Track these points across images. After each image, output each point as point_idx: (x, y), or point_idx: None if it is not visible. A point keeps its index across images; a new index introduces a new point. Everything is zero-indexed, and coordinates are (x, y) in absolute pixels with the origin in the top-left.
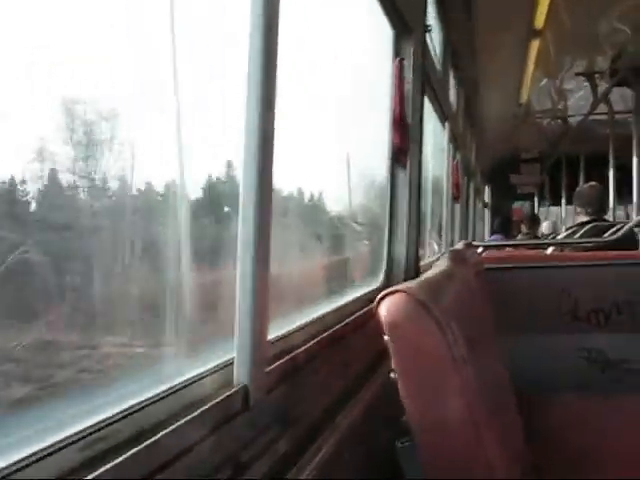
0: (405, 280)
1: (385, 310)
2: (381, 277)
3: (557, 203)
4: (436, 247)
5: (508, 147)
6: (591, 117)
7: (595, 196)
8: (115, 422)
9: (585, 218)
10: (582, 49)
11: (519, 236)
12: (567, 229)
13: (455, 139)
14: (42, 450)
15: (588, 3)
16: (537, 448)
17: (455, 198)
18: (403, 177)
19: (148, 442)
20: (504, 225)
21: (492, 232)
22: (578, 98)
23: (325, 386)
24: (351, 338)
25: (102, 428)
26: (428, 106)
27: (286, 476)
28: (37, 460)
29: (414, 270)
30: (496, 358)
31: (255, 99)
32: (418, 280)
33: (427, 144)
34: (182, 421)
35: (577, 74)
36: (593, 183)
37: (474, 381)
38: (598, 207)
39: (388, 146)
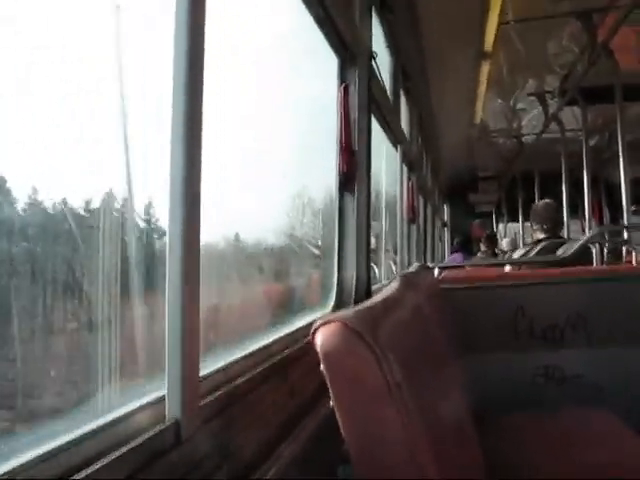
0: (356, 304)
1: (320, 340)
2: (331, 303)
3: (515, 219)
4: (394, 267)
5: (465, 166)
6: (544, 135)
7: (551, 213)
8: (45, 460)
9: (542, 235)
10: (532, 70)
11: (478, 254)
12: (524, 246)
13: (409, 161)
14: None
15: (536, 25)
16: (495, 465)
17: (411, 219)
18: (351, 203)
19: (77, 477)
20: (464, 244)
21: (452, 251)
22: (531, 117)
23: (265, 418)
24: (293, 368)
25: (30, 467)
26: (380, 130)
27: None
28: None
29: (365, 294)
30: (448, 380)
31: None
32: (357, 308)
33: (381, 167)
34: (113, 457)
35: (529, 94)
36: (548, 201)
37: (411, 405)
38: (554, 224)
39: (335, 172)
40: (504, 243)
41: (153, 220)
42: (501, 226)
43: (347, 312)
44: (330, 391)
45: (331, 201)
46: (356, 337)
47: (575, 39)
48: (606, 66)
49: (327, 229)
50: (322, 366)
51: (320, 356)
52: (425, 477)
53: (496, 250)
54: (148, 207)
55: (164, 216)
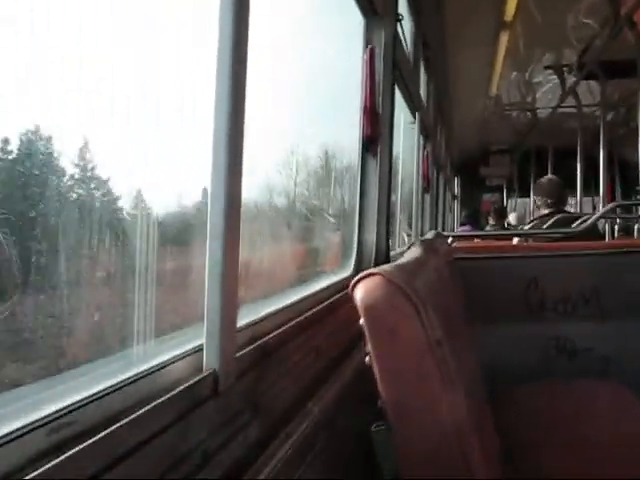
0: None
1: (361, 293)
2: (351, 265)
3: (526, 195)
4: (406, 238)
5: (478, 139)
6: (559, 110)
7: (555, 188)
8: (82, 407)
9: (546, 210)
10: (550, 42)
11: (487, 227)
12: (530, 221)
13: (425, 131)
14: (7, 435)
15: None
16: (507, 434)
17: (425, 189)
18: (374, 166)
19: (116, 426)
20: (473, 216)
21: (461, 223)
22: (547, 91)
23: (297, 372)
24: (323, 324)
25: (69, 412)
26: (399, 97)
27: (257, 461)
28: (1, 444)
29: (385, 259)
30: (469, 345)
31: (224, 97)
32: (392, 264)
33: (398, 135)
34: (150, 406)
35: (546, 67)
36: (552, 176)
37: (450, 365)
38: (558, 199)
39: (359, 135)
40: (511, 218)
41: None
42: (511, 201)
43: (386, 267)
44: (368, 345)
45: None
46: (398, 291)
47: (596, 11)
48: (628, 39)
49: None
50: (362, 319)
51: (360, 309)
52: (462, 442)
53: (505, 224)
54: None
55: None
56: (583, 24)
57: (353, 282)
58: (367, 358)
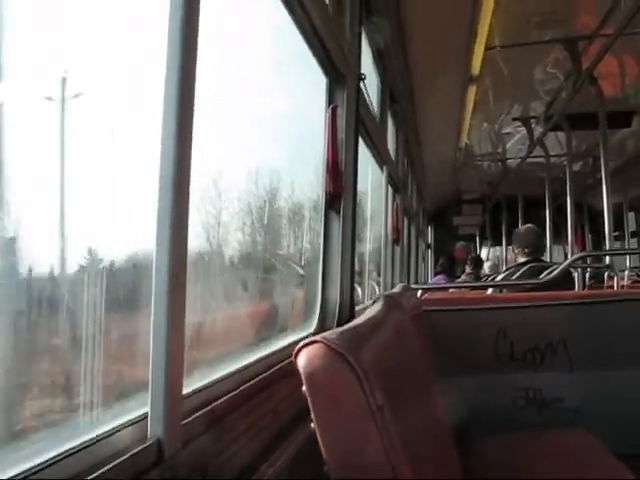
0: (339, 325)
1: (302, 361)
2: (314, 323)
3: (498, 243)
4: (376, 288)
5: (450, 189)
6: (528, 160)
7: (532, 237)
8: (27, 477)
9: (523, 259)
10: (518, 95)
11: (462, 276)
12: (506, 270)
13: (394, 182)
14: None
15: (522, 51)
16: None
17: (395, 241)
18: (337, 223)
19: None
20: (448, 265)
21: (436, 272)
22: (516, 142)
23: (248, 438)
24: (278, 387)
25: None
26: (366, 151)
27: None
28: None
29: (349, 315)
30: (430, 402)
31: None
32: (341, 329)
33: (366, 187)
34: (93, 476)
35: (514, 119)
36: (530, 225)
37: (393, 428)
38: (535, 248)
39: (322, 192)
40: (487, 267)
41: None
42: (484, 249)
43: (330, 333)
44: (311, 412)
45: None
46: (339, 359)
47: (560, 66)
48: (590, 93)
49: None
50: (304, 387)
51: (302, 377)
52: None
53: (480, 274)
54: None
55: None
56: (549, 77)
57: (296, 349)
58: (312, 424)
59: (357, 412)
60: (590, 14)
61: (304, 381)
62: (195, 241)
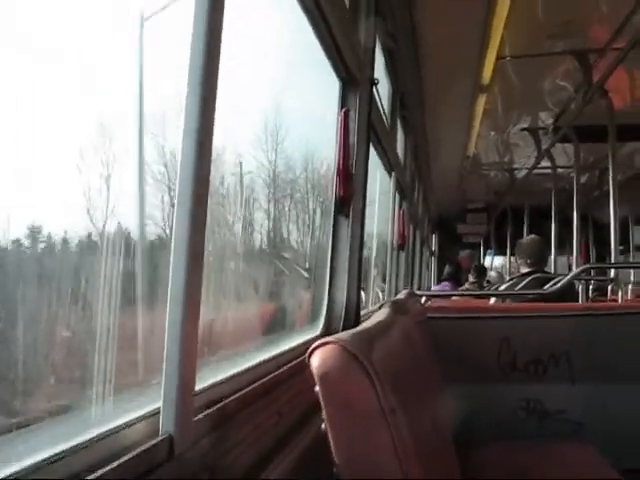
0: (344, 329)
1: (316, 361)
2: (320, 326)
3: (502, 252)
4: (380, 294)
5: (456, 197)
6: (535, 171)
7: (536, 248)
8: (36, 470)
9: (526, 269)
10: (527, 105)
11: (466, 285)
12: (509, 280)
13: (401, 189)
14: None
15: (533, 62)
16: None
17: (400, 247)
18: (345, 227)
19: None
20: (453, 273)
21: (440, 280)
22: (523, 152)
23: (257, 436)
24: (285, 388)
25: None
26: (375, 156)
27: None
28: None
29: (354, 319)
30: (434, 408)
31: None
32: (352, 331)
33: (374, 192)
34: (103, 470)
35: (522, 129)
36: (534, 236)
37: (405, 432)
38: (539, 259)
39: (332, 196)
40: (491, 276)
41: None
42: (488, 259)
43: (344, 334)
44: (323, 413)
45: None
46: (353, 360)
47: (570, 77)
48: (600, 105)
49: None
50: (317, 387)
51: (315, 377)
52: None
53: (484, 283)
54: None
55: None
56: (559, 89)
57: (310, 349)
58: (323, 425)
59: (370, 414)
60: (602, 27)
61: (317, 382)
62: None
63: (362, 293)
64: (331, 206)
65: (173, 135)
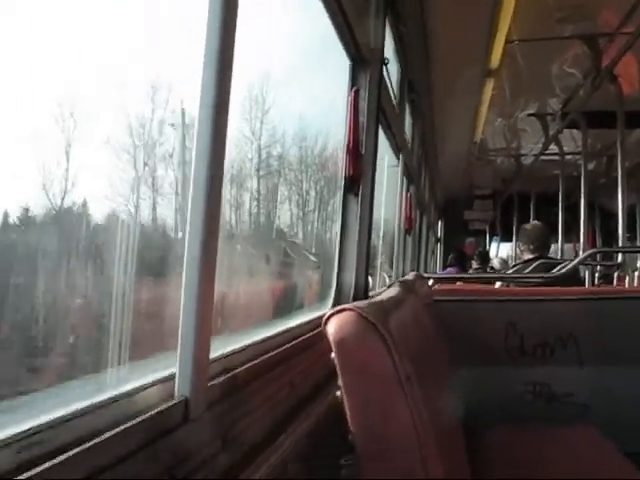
0: None
1: (333, 327)
2: (330, 303)
3: (508, 239)
4: (387, 279)
5: (462, 183)
6: (542, 157)
7: (539, 234)
8: (52, 427)
9: (529, 255)
10: (535, 91)
11: (470, 271)
12: (513, 266)
13: (409, 172)
14: None
15: (542, 47)
16: (479, 476)
17: (407, 231)
18: (355, 206)
19: (83, 447)
20: (458, 259)
21: (446, 266)
22: (531, 138)
23: (270, 404)
24: (298, 359)
25: (39, 432)
26: (383, 138)
27: None
28: None
29: (363, 298)
30: (444, 387)
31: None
32: (368, 301)
33: (382, 176)
34: (119, 429)
35: (529, 115)
36: (536, 222)
37: (420, 401)
38: (542, 244)
39: (341, 175)
40: (495, 262)
41: None
42: (494, 245)
43: (360, 302)
44: (339, 379)
45: None
46: (370, 326)
47: (579, 62)
48: (609, 91)
49: None
50: (333, 354)
51: (332, 343)
52: (428, 473)
53: (488, 268)
54: None
55: None
56: (567, 74)
57: (326, 316)
58: (338, 392)
59: (386, 379)
60: (612, 11)
61: (333, 347)
62: None
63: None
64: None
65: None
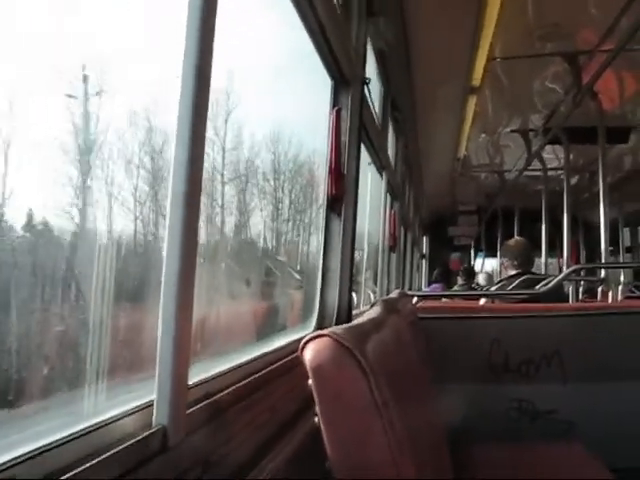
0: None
1: (309, 354)
2: (313, 323)
3: (493, 255)
4: (372, 295)
5: (446, 199)
6: (525, 173)
7: (522, 249)
8: (25, 461)
9: (513, 271)
10: (517, 107)
11: (455, 287)
12: (498, 282)
13: (392, 190)
14: None
15: (523, 64)
16: None
17: (391, 248)
18: (337, 225)
19: None
20: (444, 275)
21: (431, 282)
22: (514, 154)
23: (250, 430)
24: (278, 383)
25: (10, 467)
26: (367, 157)
27: None
28: None
29: (346, 317)
30: (426, 407)
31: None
32: (346, 326)
33: (365, 193)
34: (96, 460)
35: (512, 131)
36: (519, 238)
37: (398, 426)
38: (525, 260)
39: (324, 195)
40: (480, 278)
41: None
42: (478, 260)
43: (336, 328)
44: (316, 406)
45: None
46: (346, 353)
47: (560, 79)
48: (590, 107)
49: None
50: (310, 380)
51: (308, 370)
52: None
53: (473, 284)
54: None
55: None
56: (549, 91)
57: (303, 342)
58: (316, 419)
59: (362, 406)
60: (591, 29)
61: (310, 374)
62: None
63: (354, 295)
64: (323, 204)
65: None
